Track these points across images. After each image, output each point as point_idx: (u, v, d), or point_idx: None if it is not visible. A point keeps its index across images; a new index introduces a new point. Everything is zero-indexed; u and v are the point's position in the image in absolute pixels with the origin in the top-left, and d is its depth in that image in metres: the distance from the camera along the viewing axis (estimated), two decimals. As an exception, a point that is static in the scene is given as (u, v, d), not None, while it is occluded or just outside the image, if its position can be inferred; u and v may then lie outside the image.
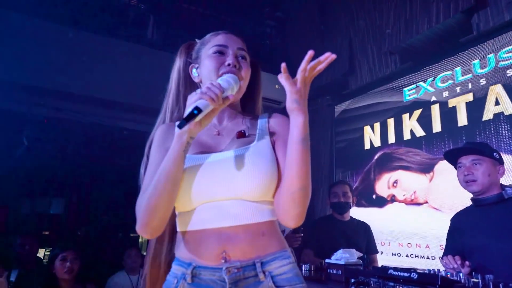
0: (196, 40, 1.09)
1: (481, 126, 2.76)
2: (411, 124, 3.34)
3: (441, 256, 1.88)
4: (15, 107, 3.44)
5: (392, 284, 1.59)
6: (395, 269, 1.59)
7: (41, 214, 4.91)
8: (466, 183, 1.79)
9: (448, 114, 3.02)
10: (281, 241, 0.94)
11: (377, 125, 3.68)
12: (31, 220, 4.63)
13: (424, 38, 3.13)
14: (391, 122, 3.55)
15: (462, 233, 1.84)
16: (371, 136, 3.73)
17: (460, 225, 1.88)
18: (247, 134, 0.97)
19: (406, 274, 1.52)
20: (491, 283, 1.34)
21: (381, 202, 3.49)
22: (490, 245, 1.69)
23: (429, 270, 1.60)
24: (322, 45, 4.20)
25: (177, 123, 0.82)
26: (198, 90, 0.87)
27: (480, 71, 2.85)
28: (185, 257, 0.89)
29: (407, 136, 3.35)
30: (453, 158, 1.89)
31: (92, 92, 3.60)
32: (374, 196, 3.58)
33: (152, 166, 0.93)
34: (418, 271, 1.50)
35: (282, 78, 0.84)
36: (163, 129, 1.00)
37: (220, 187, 0.87)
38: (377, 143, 3.66)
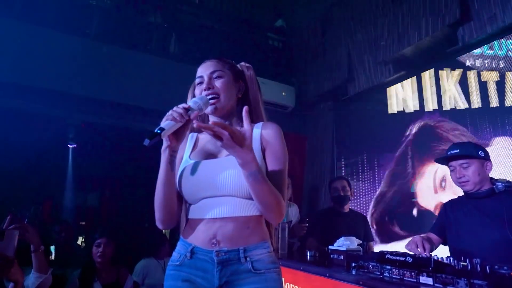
0: None
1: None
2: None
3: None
4: (57, 113, 3.52)
5: (389, 267, 1.59)
6: (392, 253, 1.59)
7: (79, 207, 4.99)
8: (460, 183, 1.80)
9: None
10: (263, 233, 1.03)
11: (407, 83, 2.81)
12: (70, 212, 4.71)
13: (415, 49, 3.11)
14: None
15: (453, 219, 1.83)
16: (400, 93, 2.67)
17: (453, 212, 1.86)
18: None
19: (401, 258, 1.52)
20: (478, 266, 1.33)
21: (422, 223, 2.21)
22: (479, 232, 1.69)
23: (422, 255, 1.59)
24: (324, 56, 4.20)
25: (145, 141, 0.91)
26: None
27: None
28: (187, 239, 1.02)
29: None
30: (444, 161, 1.90)
31: (123, 100, 3.66)
32: (414, 213, 2.36)
33: None
34: (412, 255, 1.50)
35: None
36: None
37: (215, 186, 0.99)
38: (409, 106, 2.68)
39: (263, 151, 1.04)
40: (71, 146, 3.62)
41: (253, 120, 1.13)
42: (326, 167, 4.09)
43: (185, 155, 1.09)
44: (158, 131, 0.89)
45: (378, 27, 3.47)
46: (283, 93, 4.25)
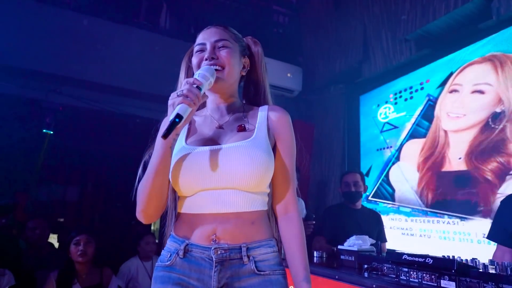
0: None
1: None
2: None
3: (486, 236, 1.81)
4: (31, 94, 3.50)
5: (406, 269, 1.58)
6: (409, 254, 1.58)
7: (57, 201, 5.00)
8: None
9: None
10: (269, 230, 1.01)
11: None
12: (47, 207, 4.72)
13: (441, 24, 3.05)
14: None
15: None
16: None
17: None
18: (246, 128, 1.03)
19: (421, 259, 1.51)
20: (509, 269, 1.31)
21: None
22: None
23: (443, 256, 1.58)
24: (336, 32, 4.14)
25: (161, 133, 0.87)
26: (180, 90, 0.91)
27: None
28: (180, 235, 0.99)
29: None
30: None
31: (105, 80, 3.63)
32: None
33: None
34: (433, 256, 1.49)
35: None
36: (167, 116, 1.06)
37: (218, 177, 0.94)
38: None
39: (272, 138, 1.03)
40: (47, 132, 3.60)
41: (257, 103, 1.12)
42: (336, 159, 4.07)
43: (179, 139, 1.04)
44: (177, 120, 0.84)
45: (399, -2, 3.40)
46: (289, 75, 4.21)
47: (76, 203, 5.10)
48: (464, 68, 3.02)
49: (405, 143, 3.54)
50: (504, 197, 1.87)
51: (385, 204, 3.52)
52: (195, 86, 0.90)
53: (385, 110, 3.82)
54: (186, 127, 1.07)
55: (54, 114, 3.68)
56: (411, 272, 1.55)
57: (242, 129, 1.02)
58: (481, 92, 2.85)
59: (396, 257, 1.62)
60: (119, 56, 3.63)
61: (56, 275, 2.39)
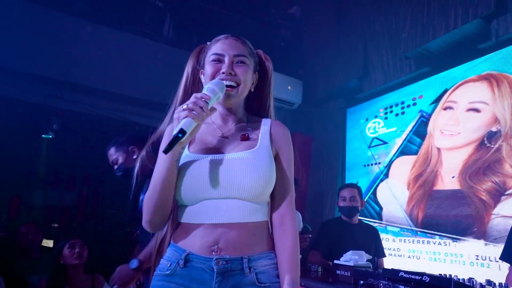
0: (207, 43, 1.12)
1: None
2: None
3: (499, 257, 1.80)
4: (31, 99, 3.50)
5: (402, 286, 1.57)
6: (406, 272, 1.58)
7: (52, 207, 4.95)
8: None
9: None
10: (269, 242, 1.02)
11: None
12: (41, 212, 4.68)
13: (441, 43, 3.11)
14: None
15: None
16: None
17: None
18: (250, 138, 1.04)
19: (417, 277, 1.50)
20: (505, 289, 1.31)
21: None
22: None
23: (440, 274, 1.58)
24: (337, 47, 4.19)
25: (163, 149, 0.87)
26: (186, 104, 0.90)
27: None
28: (180, 244, 0.98)
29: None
30: None
31: (106, 86, 3.65)
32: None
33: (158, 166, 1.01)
34: (429, 274, 1.49)
35: None
36: (171, 128, 1.04)
37: (221, 187, 0.95)
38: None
39: (274, 150, 1.05)
40: (46, 137, 3.60)
41: (260, 116, 1.14)
42: (333, 172, 4.08)
43: None
44: (180, 136, 0.84)
45: (400, 17, 3.47)
46: (289, 87, 4.25)
47: (71, 209, 5.06)
48: (460, 85, 3.05)
49: (394, 159, 3.51)
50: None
51: (372, 223, 3.34)
52: (203, 100, 0.90)
53: (374, 124, 3.82)
54: None
55: (54, 119, 3.68)
56: (407, 290, 1.55)
57: (245, 138, 1.03)
58: (477, 110, 2.87)
59: (392, 274, 1.62)
60: (121, 63, 3.65)
61: (47, 281, 2.37)
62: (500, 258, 1.81)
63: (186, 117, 0.87)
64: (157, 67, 3.73)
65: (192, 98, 0.90)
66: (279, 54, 4.53)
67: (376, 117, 3.81)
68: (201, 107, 0.88)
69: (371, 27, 3.80)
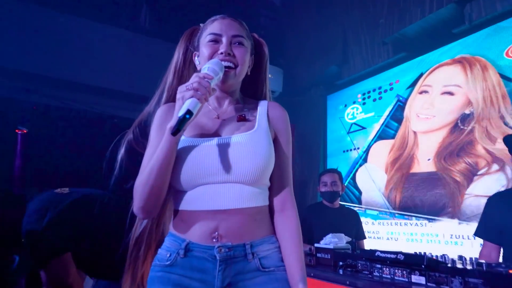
0: (200, 24, 1.08)
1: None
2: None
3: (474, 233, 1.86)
4: (3, 93, 3.40)
5: (379, 266, 1.62)
6: (382, 251, 1.62)
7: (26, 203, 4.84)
8: None
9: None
10: (270, 226, 0.99)
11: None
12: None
13: (417, 28, 3.15)
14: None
15: (502, 213, 1.79)
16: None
17: (501, 206, 1.83)
18: (247, 119, 0.99)
19: (393, 256, 1.55)
20: (474, 264, 1.37)
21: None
22: None
23: (415, 253, 1.63)
24: (317, 35, 4.20)
25: (170, 130, 0.83)
26: (188, 83, 0.87)
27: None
28: (179, 233, 0.94)
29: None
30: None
31: (82, 79, 3.57)
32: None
33: (150, 149, 0.96)
34: (404, 252, 1.53)
35: None
36: (164, 110, 1.01)
37: (219, 171, 0.90)
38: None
39: (272, 132, 1.01)
40: (20, 132, 3.50)
41: (255, 99, 1.10)
42: (315, 160, 4.13)
43: None
44: (188, 116, 0.80)
45: (378, 3, 3.50)
46: (270, 76, 4.23)
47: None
48: (434, 69, 3.12)
49: (372, 144, 3.58)
50: (492, 194, 1.94)
51: (352, 208, 3.38)
52: (206, 80, 0.86)
53: (352, 110, 3.87)
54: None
55: (27, 113, 3.58)
56: (384, 268, 1.60)
57: (242, 118, 0.99)
58: (451, 93, 2.95)
59: (369, 254, 1.67)
60: (97, 55, 3.57)
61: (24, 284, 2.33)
62: (474, 234, 1.88)
63: (192, 97, 0.83)
64: (134, 58, 3.67)
65: (195, 78, 0.86)
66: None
67: (354, 103, 3.86)
68: (205, 88, 0.85)
69: (349, 14, 3.82)
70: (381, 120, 3.53)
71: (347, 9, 3.88)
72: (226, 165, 0.90)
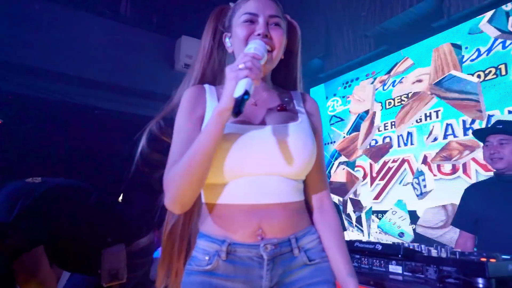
0: (230, 4, 1.01)
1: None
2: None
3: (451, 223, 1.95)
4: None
5: (358, 256, 1.66)
6: (361, 242, 1.66)
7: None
8: (491, 160, 1.83)
9: None
10: (308, 217, 0.94)
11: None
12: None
13: (398, 21, 3.19)
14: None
15: (476, 203, 1.87)
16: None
17: (476, 196, 1.91)
18: (288, 109, 0.94)
19: (371, 246, 1.59)
20: (448, 252, 1.42)
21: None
22: (503, 218, 1.74)
23: (393, 243, 1.67)
24: (300, 27, 4.19)
25: (226, 111, 0.76)
26: (237, 62, 0.79)
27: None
28: (216, 233, 0.86)
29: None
30: (481, 136, 1.94)
31: (61, 68, 3.47)
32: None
33: (181, 134, 0.88)
34: (382, 243, 1.57)
35: None
36: (193, 93, 0.93)
37: (261, 162, 0.84)
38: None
39: (311, 125, 0.95)
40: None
41: (285, 87, 1.04)
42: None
43: (207, 116, 0.90)
44: (246, 97, 0.73)
45: (360, -5, 3.51)
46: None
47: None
48: (407, 59, 3.19)
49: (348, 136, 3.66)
50: (468, 185, 2.02)
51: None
52: (256, 60, 0.78)
53: (333, 103, 3.91)
54: (214, 100, 0.92)
55: (2, 103, 3.46)
56: (362, 259, 1.63)
57: (283, 108, 0.93)
58: (420, 80, 3.07)
59: (348, 245, 1.69)
60: (77, 44, 3.47)
61: None
62: (451, 224, 1.95)
63: (246, 77, 0.75)
64: (115, 48, 3.58)
65: (246, 57, 0.77)
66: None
67: (335, 95, 3.90)
68: (258, 68, 0.77)
69: (332, 7, 3.83)
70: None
71: (330, 1, 3.88)
72: (268, 156, 0.84)
